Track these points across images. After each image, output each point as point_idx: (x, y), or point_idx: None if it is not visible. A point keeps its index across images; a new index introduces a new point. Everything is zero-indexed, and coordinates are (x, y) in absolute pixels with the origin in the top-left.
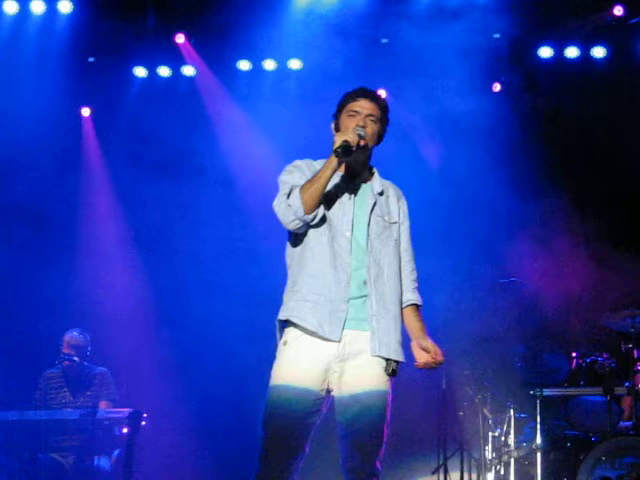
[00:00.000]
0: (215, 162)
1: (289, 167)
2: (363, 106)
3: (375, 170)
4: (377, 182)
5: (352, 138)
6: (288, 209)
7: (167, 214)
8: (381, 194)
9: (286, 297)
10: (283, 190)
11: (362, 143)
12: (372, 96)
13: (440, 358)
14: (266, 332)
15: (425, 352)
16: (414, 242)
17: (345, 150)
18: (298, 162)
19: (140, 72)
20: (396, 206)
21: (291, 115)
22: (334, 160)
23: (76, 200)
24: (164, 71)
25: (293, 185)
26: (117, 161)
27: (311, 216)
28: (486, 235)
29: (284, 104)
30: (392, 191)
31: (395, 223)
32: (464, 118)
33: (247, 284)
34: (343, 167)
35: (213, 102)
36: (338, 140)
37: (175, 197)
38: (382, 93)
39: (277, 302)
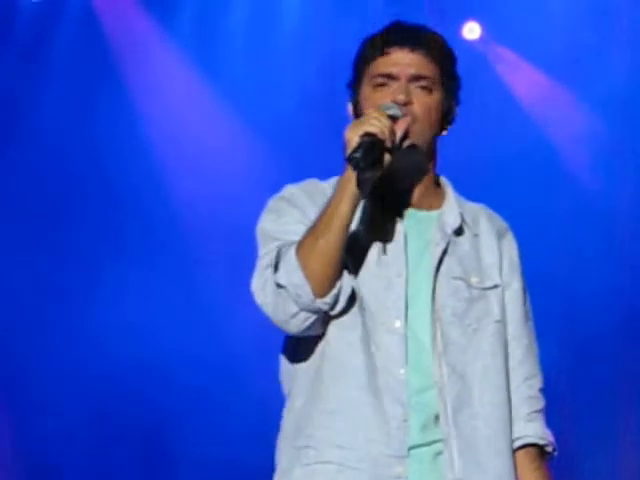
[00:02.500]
0: (123, 151)
1: (274, 202)
2: (400, 62)
3: (447, 185)
4: (451, 208)
5: (379, 127)
6: (281, 295)
7: None
8: (459, 232)
9: (284, 456)
10: (265, 258)
11: (400, 131)
12: (417, 39)
13: None
14: None
15: None
16: (535, 318)
17: (367, 153)
18: (291, 189)
19: None
20: (495, 252)
21: (280, 67)
22: (351, 178)
23: None
24: None
25: (283, 244)
26: None
27: (328, 299)
28: None
29: (266, 42)
30: (486, 223)
31: (494, 287)
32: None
33: None
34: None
35: (121, 36)
36: (352, 135)
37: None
38: (473, 28)
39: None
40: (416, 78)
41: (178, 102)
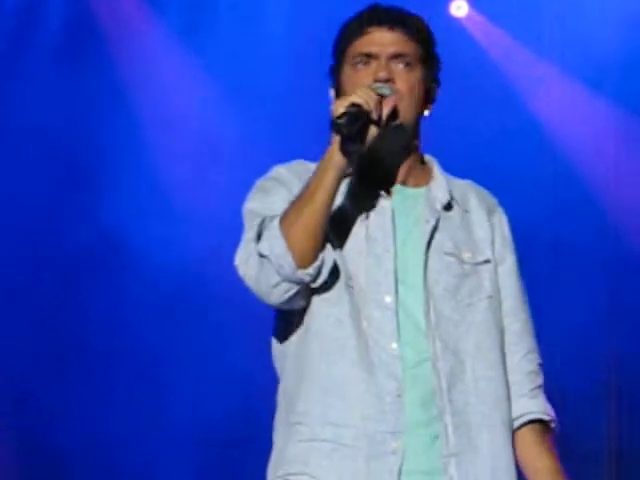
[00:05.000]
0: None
1: (262, 182)
2: (379, 41)
3: (433, 162)
4: (440, 185)
5: (365, 98)
6: (263, 265)
7: None
8: (448, 207)
9: (279, 435)
10: (250, 232)
11: (387, 108)
12: (396, 19)
13: None
14: None
15: None
16: (529, 292)
17: (352, 121)
18: (280, 170)
19: None
20: (486, 228)
21: (275, 61)
22: (336, 148)
23: None
24: None
25: (266, 217)
26: None
27: (311, 270)
28: None
29: (258, 34)
30: (475, 200)
31: (486, 262)
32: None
33: None
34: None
35: (117, 30)
36: (338, 106)
37: None
38: (460, 5)
39: None
40: (396, 56)
41: (168, 83)
